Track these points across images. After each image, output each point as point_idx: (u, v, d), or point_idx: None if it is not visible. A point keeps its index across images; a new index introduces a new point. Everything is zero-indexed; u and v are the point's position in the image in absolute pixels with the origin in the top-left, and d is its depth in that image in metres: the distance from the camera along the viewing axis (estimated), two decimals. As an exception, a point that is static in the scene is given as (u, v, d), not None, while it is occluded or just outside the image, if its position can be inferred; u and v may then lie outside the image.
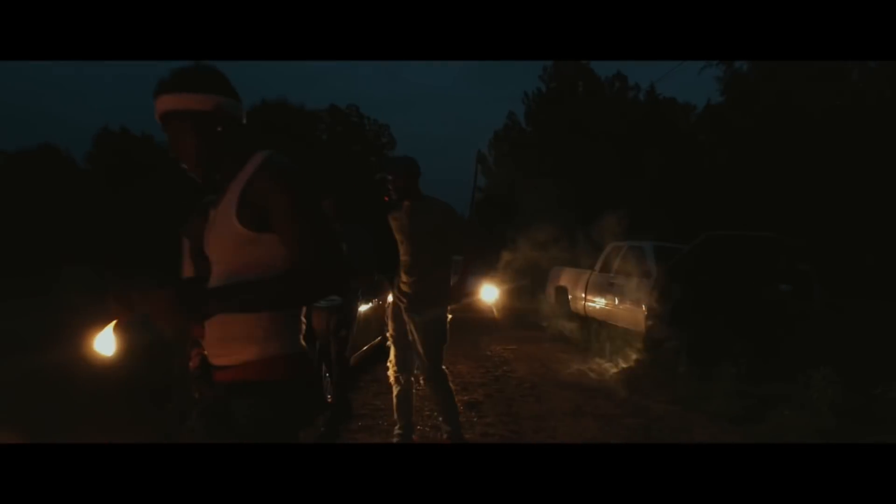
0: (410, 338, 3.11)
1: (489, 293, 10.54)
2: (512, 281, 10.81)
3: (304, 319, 1.42)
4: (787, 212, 11.83)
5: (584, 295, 8.64)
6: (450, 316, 3.18)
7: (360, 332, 5.15)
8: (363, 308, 5.32)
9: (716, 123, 16.94)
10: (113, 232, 21.68)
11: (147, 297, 1.17)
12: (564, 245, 9.92)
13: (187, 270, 1.55)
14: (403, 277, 3.12)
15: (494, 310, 10.60)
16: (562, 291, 9.58)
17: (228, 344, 1.32)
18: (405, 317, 3.11)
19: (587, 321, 8.57)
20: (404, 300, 3.09)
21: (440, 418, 3.26)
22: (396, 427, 3.31)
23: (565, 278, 9.55)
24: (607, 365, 6.33)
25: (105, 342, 4.27)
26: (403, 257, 3.12)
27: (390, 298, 3.32)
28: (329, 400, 4.34)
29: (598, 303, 8.22)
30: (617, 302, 7.66)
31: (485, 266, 9.69)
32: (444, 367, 3.17)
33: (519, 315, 10.09)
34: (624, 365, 6.26)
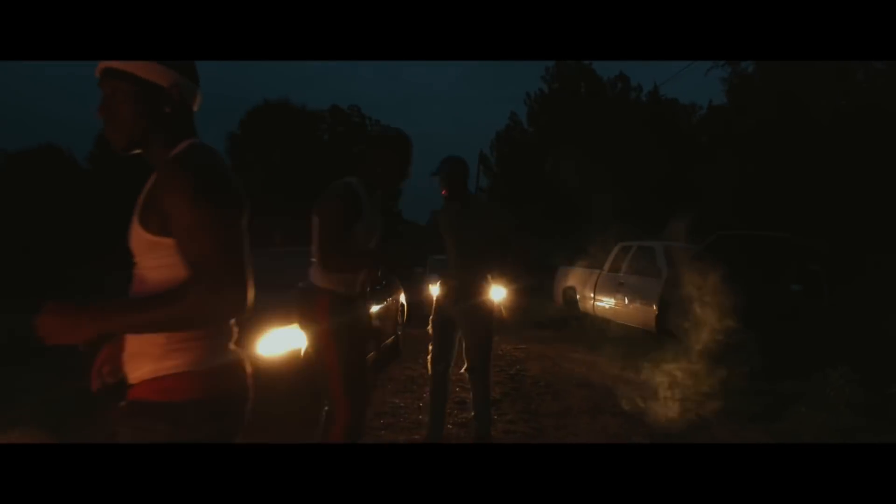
0: (456, 332, 3.21)
1: (497, 293, 10.55)
2: (519, 281, 10.82)
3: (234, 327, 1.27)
4: (791, 213, 11.86)
5: (592, 295, 8.66)
6: (500, 308, 3.28)
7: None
8: (375, 308, 5.34)
9: (719, 124, 16.98)
10: (115, 231, 21.62)
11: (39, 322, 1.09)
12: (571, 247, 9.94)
13: None
14: (452, 273, 3.20)
15: (503, 309, 10.61)
16: (570, 291, 9.60)
17: (131, 360, 1.21)
18: (452, 311, 3.18)
19: (596, 320, 8.60)
20: (452, 295, 3.16)
21: (473, 412, 3.28)
22: (429, 421, 3.34)
23: (573, 278, 9.57)
24: (620, 363, 6.34)
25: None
26: (452, 254, 3.21)
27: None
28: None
29: (608, 302, 8.24)
30: (627, 301, 7.68)
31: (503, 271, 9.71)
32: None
33: (527, 314, 10.11)
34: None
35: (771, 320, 6.19)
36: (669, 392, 5.03)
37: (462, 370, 3.26)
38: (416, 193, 52.32)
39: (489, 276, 3.23)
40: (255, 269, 1.20)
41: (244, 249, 1.16)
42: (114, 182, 28.30)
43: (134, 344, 1.20)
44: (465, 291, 3.14)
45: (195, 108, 1.28)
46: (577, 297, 9.28)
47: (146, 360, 1.17)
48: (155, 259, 1.16)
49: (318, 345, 2.20)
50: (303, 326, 2.27)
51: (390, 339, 6.21)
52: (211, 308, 1.09)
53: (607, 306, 8.25)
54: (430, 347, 3.32)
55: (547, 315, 9.74)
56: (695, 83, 54.29)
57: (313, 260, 2.27)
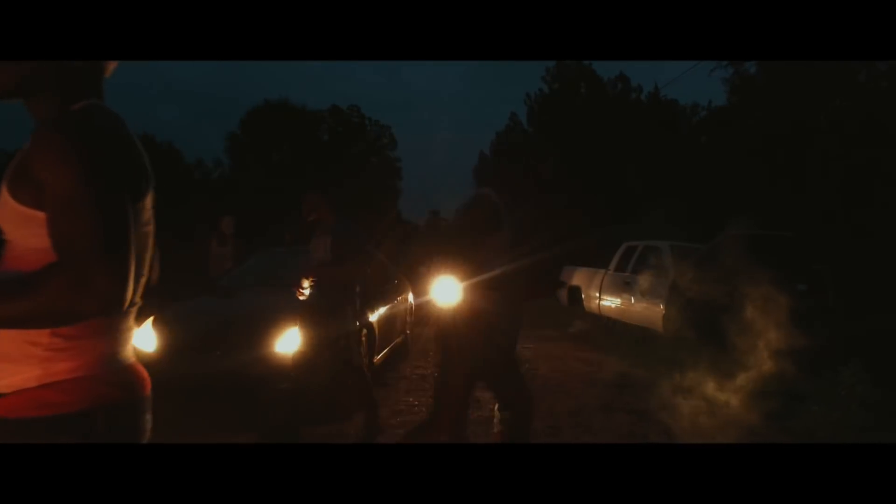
0: None
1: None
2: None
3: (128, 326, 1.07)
4: (793, 213, 11.90)
5: (598, 294, 8.67)
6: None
7: (384, 334, 5.18)
8: (383, 309, 5.35)
9: (720, 124, 17.03)
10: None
11: None
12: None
13: None
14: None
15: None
16: (575, 291, 9.61)
17: None
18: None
19: (602, 320, 8.62)
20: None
21: (497, 405, 3.29)
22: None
23: (578, 278, 9.58)
24: (628, 362, 6.36)
25: (145, 338, 4.26)
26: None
27: (436, 292, 3.41)
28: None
29: (614, 302, 8.25)
30: (633, 301, 7.70)
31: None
32: None
33: (532, 314, 10.13)
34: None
35: (778, 319, 6.22)
36: (680, 391, 5.05)
37: None
38: (415, 194, 52.26)
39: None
40: (150, 263, 1.04)
41: (129, 236, 0.95)
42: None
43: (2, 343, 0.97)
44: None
45: (107, 74, 1.11)
46: (583, 296, 9.30)
47: (20, 363, 0.96)
48: (29, 237, 0.96)
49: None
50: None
51: (399, 339, 6.22)
52: (73, 302, 0.89)
53: (613, 306, 8.27)
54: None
55: (552, 315, 9.75)
56: (694, 85, 54.37)
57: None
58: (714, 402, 4.70)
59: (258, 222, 16.03)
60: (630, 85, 24.63)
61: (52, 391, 0.96)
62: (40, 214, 0.94)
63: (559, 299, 10.17)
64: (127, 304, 0.95)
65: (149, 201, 1.07)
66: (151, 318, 4.15)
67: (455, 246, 2.90)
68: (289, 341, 3.88)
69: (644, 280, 7.38)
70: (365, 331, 4.51)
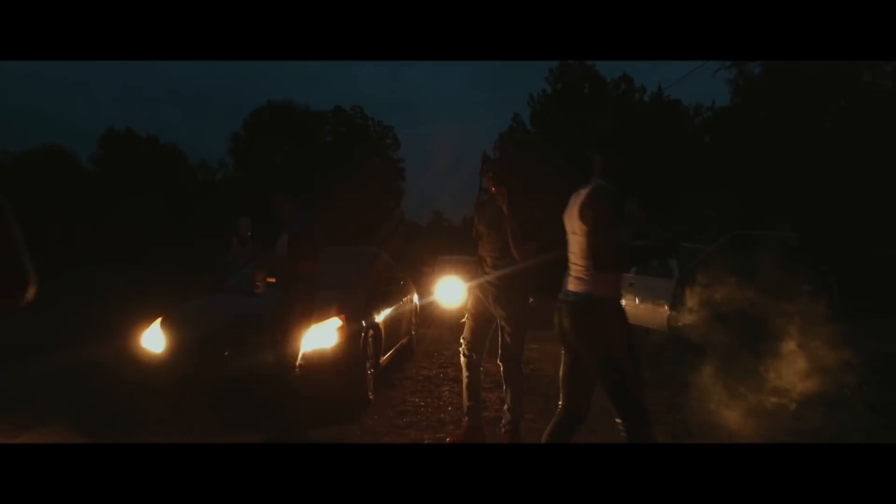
0: (492, 323, 3.35)
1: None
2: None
3: None
4: (797, 213, 11.89)
5: (602, 295, 8.67)
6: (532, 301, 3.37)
7: (390, 335, 5.20)
8: (388, 310, 5.37)
9: (723, 125, 17.00)
10: (119, 231, 21.70)
11: None
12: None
13: None
14: (490, 270, 3.31)
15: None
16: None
17: None
18: (491, 307, 3.30)
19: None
20: (493, 291, 3.28)
21: (505, 406, 3.32)
22: (465, 407, 3.44)
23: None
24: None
25: (153, 339, 4.29)
26: (491, 252, 3.30)
27: (439, 293, 3.46)
28: (371, 398, 4.38)
29: (618, 303, 8.25)
30: (637, 301, 7.69)
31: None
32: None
33: (536, 314, 10.14)
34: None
35: (781, 320, 6.22)
36: (685, 391, 5.05)
37: (498, 360, 3.34)
38: (417, 194, 52.20)
39: (531, 268, 3.28)
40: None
41: None
42: (118, 182, 28.37)
43: None
44: (506, 292, 3.25)
45: None
46: (587, 297, 9.29)
47: None
48: None
49: (616, 355, 2.21)
50: (592, 339, 2.24)
51: (405, 340, 6.23)
52: None
53: (617, 307, 8.26)
54: (464, 337, 3.43)
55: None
56: (698, 86, 54.27)
57: (578, 268, 2.28)
58: (719, 402, 4.71)
59: (260, 223, 16.06)
60: (633, 86, 24.62)
61: None
62: None
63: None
64: None
65: None
66: (160, 318, 4.18)
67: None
68: (297, 342, 3.90)
69: (649, 281, 7.38)
70: (371, 331, 4.53)
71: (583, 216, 2.21)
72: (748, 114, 14.39)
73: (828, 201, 11.90)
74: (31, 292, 1.35)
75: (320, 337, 3.94)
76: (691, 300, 6.37)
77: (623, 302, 2.42)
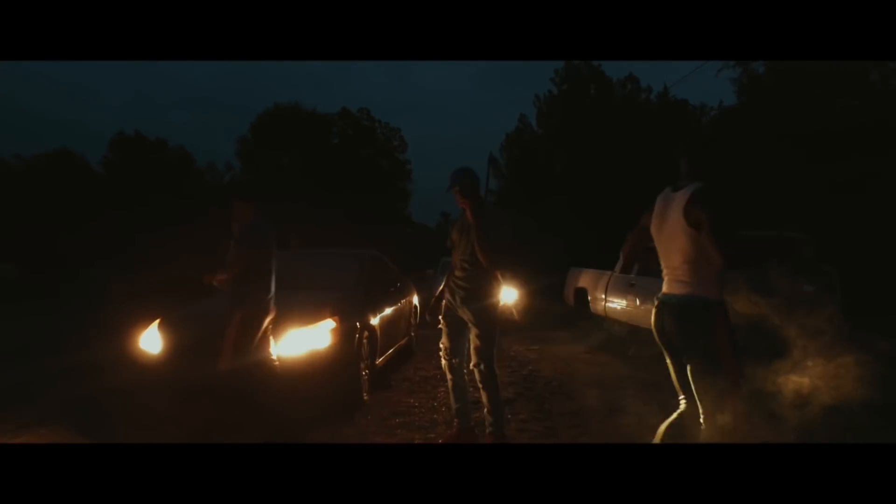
0: (467, 329, 3.37)
1: (508, 294, 10.58)
2: (532, 282, 10.83)
3: None
4: (798, 214, 11.80)
5: (604, 296, 8.66)
6: (512, 310, 3.41)
7: (386, 336, 5.23)
8: (388, 311, 5.40)
9: (729, 124, 16.89)
10: (129, 233, 21.90)
11: None
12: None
13: None
14: (459, 274, 3.38)
15: (514, 311, 10.63)
16: (581, 293, 9.61)
17: None
18: (459, 308, 3.35)
19: (607, 322, 8.60)
20: (461, 293, 3.33)
21: (485, 409, 3.34)
22: (454, 410, 3.49)
23: (584, 280, 9.57)
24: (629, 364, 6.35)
25: (151, 340, 4.35)
26: (461, 256, 3.37)
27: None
28: (366, 399, 4.42)
29: (620, 304, 8.24)
30: (639, 303, 7.68)
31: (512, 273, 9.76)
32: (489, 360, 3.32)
33: (539, 316, 10.14)
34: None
35: (783, 320, 6.18)
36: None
37: (471, 366, 3.37)
38: (425, 196, 52.25)
39: (498, 279, 3.38)
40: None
41: None
42: (128, 185, 28.65)
43: None
44: (474, 291, 3.30)
45: None
46: (589, 298, 9.29)
47: None
48: None
49: (721, 357, 2.23)
50: (699, 342, 2.24)
51: (404, 340, 6.27)
52: None
53: (619, 308, 8.25)
54: (442, 343, 3.47)
55: (558, 316, 9.74)
56: (704, 86, 53.95)
57: (679, 271, 2.27)
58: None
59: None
60: (640, 85, 24.53)
61: None
62: None
63: (565, 300, 10.17)
64: None
65: None
66: (158, 320, 4.24)
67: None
68: (291, 344, 3.94)
69: (650, 282, 7.35)
70: (366, 332, 4.57)
71: (690, 216, 2.16)
72: (753, 112, 14.29)
73: (834, 201, 11.79)
74: None
75: (314, 338, 3.98)
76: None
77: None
